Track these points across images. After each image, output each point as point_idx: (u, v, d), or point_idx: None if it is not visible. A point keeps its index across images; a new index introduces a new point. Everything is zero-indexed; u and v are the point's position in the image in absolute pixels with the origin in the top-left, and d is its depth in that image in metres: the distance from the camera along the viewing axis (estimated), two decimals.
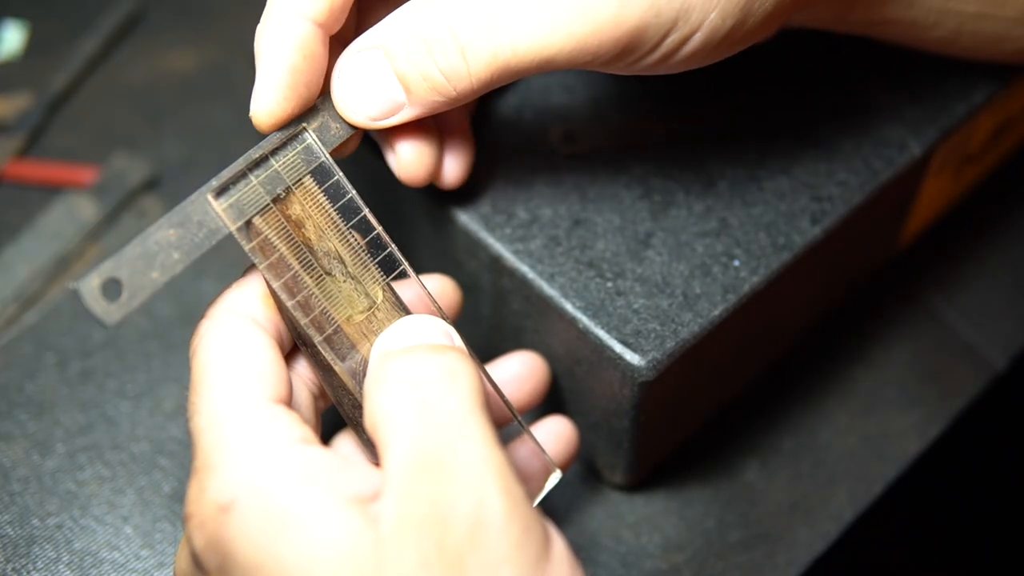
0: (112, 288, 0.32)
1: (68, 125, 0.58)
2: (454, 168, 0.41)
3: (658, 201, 0.44)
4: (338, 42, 0.38)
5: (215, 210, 0.34)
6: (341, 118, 0.37)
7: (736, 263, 0.42)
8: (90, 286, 0.31)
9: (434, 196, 0.44)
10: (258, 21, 0.36)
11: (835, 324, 0.52)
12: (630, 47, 0.35)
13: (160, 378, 0.49)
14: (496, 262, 0.43)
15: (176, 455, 0.47)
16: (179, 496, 0.46)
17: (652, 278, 0.42)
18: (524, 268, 0.42)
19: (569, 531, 0.46)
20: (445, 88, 0.36)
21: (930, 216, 0.54)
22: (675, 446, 0.48)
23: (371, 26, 0.36)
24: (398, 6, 0.37)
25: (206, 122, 0.59)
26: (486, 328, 0.46)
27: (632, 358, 0.40)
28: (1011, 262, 0.56)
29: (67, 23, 0.62)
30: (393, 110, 0.37)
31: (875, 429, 0.50)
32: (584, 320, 0.41)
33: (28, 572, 0.44)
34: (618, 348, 0.40)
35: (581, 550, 0.45)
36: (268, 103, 0.35)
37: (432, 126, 0.40)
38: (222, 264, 0.53)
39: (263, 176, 0.35)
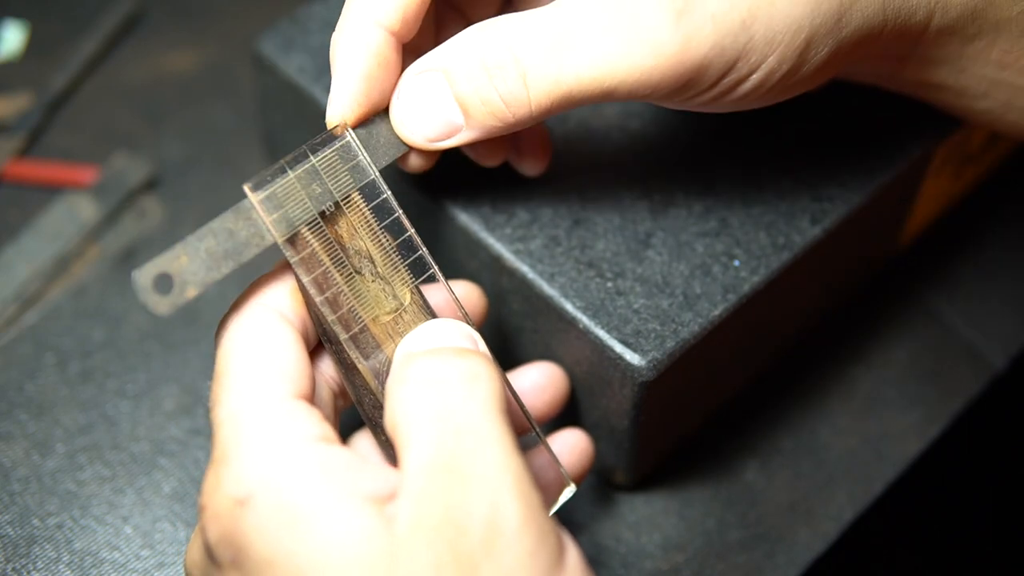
0: (164, 282, 0.33)
1: (68, 125, 0.58)
2: (532, 162, 0.42)
3: (658, 201, 0.44)
4: (412, 52, 0.38)
5: (251, 202, 0.34)
6: (395, 134, 0.37)
7: (736, 263, 0.42)
8: (144, 277, 0.33)
9: (434, 196, 0.44)
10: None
11: (835, 324, 0.52)
12: (690, 83, 0.35)
13: (160, 378, 0.49)
14: (496, 262, 0.43)
15: (176, 455, 0.47)
16: (179, 496, 0.46)
17: (652, 278, 0.42)
18: (524, 268, 0.42)
19: (569, 531, 0.46)
20: (504, 114, 0.36)
21: (930, 216, 0.54)
22: (675, 446, 0.48)
23: (447, 38, 0.37)
24: (472, 24, 0.37)
25: (206, 122, 0.59)
26: (486, 328, 0.46)
27: (632, 358, 0.40)
28: (1011, 262, 0.56)
29: (67, 23, 0.62)
30: (450, 132, 0.37)
31: (875, 429, 0.50)
32: (584, 320, 0.41)
33: (28, 572, 0.44)
34: (618, 348, 0.40)
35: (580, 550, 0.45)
36: (343, 108, 0.36)
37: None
38: None
39: (300, 171, 0.35)
